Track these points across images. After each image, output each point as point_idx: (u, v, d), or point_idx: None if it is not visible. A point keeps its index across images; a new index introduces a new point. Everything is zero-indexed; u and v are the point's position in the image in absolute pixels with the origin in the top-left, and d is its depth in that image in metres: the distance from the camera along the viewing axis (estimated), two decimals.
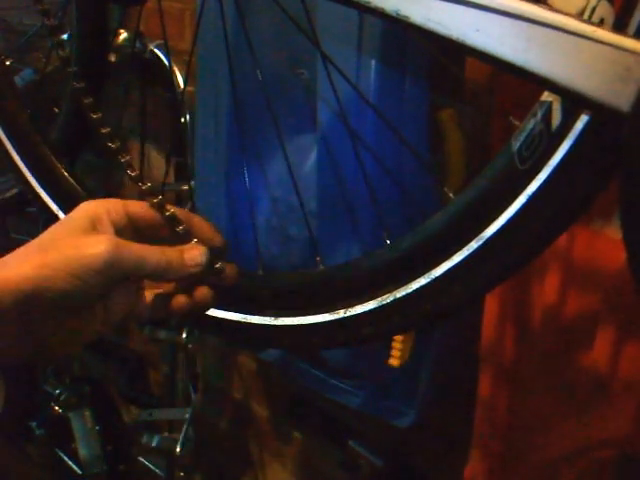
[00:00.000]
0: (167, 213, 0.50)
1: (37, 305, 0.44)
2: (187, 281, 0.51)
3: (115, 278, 0.46)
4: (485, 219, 0.47)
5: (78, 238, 0.46)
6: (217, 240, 0.52)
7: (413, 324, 0.56)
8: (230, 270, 0.53)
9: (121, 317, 0.49)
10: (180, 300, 0.51)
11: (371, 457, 1.15)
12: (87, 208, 0.49)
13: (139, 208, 0.50)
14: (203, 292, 0.52)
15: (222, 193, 0.92)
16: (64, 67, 0.54)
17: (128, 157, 0.53)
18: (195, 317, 0.58)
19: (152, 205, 0.50)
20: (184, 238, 0.51)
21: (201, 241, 0.51)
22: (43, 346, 0.48)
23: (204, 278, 0.51)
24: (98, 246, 0.45)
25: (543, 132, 0.44)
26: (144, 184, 0.52)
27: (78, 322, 0.48)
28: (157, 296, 0.51)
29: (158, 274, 0.48)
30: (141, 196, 0.52)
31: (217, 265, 0.52)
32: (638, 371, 0.67)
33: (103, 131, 0.53)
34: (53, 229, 0.48)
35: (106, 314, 0.49)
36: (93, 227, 0.47)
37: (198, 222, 0.52)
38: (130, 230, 0.50)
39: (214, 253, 0.51)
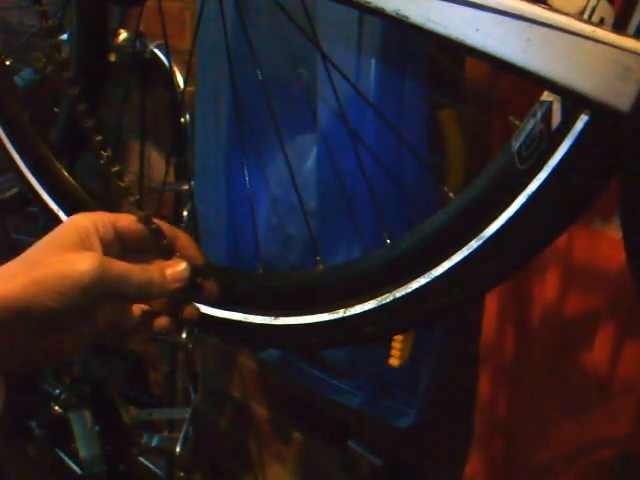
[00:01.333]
0: (153, 226, 0.51)
1: (22, 321, 0.45)
2: (170, 298, 0.52)
3: (99, 296, 0.47)
4: (485, 219, 0.47)
5: (65, 254, 0.46)
6: (199, 258, 0.53)
7: (413, 324, 0.56)
8: (210, 287, 0.54)
9: (105, 331, 0.50)
10: (162, 321, 0.52)
11: (371, 457, 1.15)
12: (76, 222, 0.49)
13: (127, 222, 0.51)
14: (190, 310, 0.53)
15: (222, 193, 0.92)
16: (61, 71, 0.54)
17: (118, 167, 0.53)
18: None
19: (139, 218, 0.51)
20: (168, 252, 0.52)
21: (183, 257, 0.52)
22: (26, 359, 0.48)
23: (186, 294, 0.52)
24: (84, 263, 0.46)
25: (543, 132, 0.44)
26: (133, 195, 0.52)
27: (62, 335, 0.48)
28: (142, 315, 0.51)
29: (142, 292, 0.49)
30: (131, 205, 0.52)
31: (197, 281, 0.53)
32: (638, 371, 0.67)
33: (96, 138, 0.53)
34: (42, 243, 0.48)
35: (91, 328, 0.49)
36: (81, 242, 0.48)
37: (182, 238, 0.53)
38: (117, 244, 0.50)
39: (195, 270, 0.52)
